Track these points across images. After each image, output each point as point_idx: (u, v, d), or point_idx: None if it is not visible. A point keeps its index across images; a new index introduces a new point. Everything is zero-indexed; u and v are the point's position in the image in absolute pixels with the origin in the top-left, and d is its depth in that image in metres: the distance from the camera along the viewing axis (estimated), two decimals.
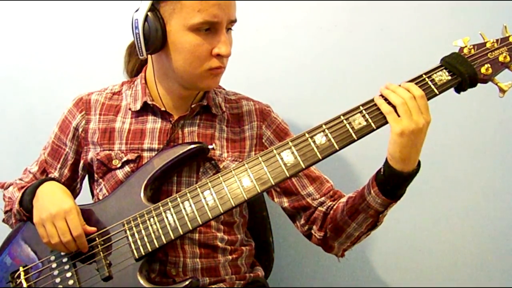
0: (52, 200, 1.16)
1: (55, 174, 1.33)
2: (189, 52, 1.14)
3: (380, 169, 1.10)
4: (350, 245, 1.23)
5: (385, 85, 1.08)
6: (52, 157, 1.34)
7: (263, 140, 1.31)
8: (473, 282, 1.71)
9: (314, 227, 1.26)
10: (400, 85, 1.07)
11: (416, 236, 1.73)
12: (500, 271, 1.70)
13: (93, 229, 1.15)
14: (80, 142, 1.31)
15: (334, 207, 1.23)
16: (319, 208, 1.26)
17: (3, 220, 1.36)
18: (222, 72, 1.20)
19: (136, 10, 1.16)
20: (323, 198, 1.27)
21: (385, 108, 1.05)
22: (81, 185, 1.38)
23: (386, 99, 1.06)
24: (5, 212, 1.34)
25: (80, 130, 1.30)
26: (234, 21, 1.18)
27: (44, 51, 1.79)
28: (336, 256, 1.28)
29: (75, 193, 1.38)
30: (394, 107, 1.04)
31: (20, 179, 1.37)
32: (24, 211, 1.22)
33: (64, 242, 1.12)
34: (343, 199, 1.23)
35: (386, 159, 1.08)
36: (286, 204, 1.30)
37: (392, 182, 1.07)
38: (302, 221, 1.29)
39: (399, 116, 1.03)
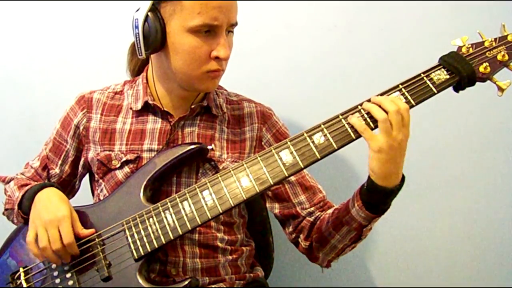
0: (48, 207, 1.15)
1: (56, 170, 1.34)
2: (188, 54, 1.14)
3: (364, 183, 1.09)
4: (335, 257, 1.22)
5: (371, 98, 1.06)
6: (54, 153, 1.34)
7: (263, 143, 1.30)
8: (473, 282, 1.71)
9: (301, 236, 1.26)
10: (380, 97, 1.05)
11: (416, 236, 1.73)
12: (499, 271, 1.70)
13: (90, 231, 1.15)
14: (81, 139, 1.31)
15: (321, 217, 1.23)
16: (307, 218, 1.26)
17: (3, 213, 1.36)
18: (220, 74, 1.20)
19: (137, 10, 1.15)
20: (312, 208, 1.26)
21: (359, 126, 1.04)
22: (80, 182, 1.39)
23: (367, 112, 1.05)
24: (6, 210, 1.35)
25: (81, 128, 1.30)
26: (235, 24, 1.17)
27: (44, 51, 1.79)
28: (320, 267, 1.27)
29: (74, 189, 1.39)
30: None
31: (22, 173, 1.38)
32: (22, 214, 1.22)
33: (54, 250, 1.11)
34: (330, 210, 1.23)
35: (369, 174, 1.07)
36: (276, 211, 1.30)
37: (375, 197, 1.07)
38: (291, 229, 1.28)
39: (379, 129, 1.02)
